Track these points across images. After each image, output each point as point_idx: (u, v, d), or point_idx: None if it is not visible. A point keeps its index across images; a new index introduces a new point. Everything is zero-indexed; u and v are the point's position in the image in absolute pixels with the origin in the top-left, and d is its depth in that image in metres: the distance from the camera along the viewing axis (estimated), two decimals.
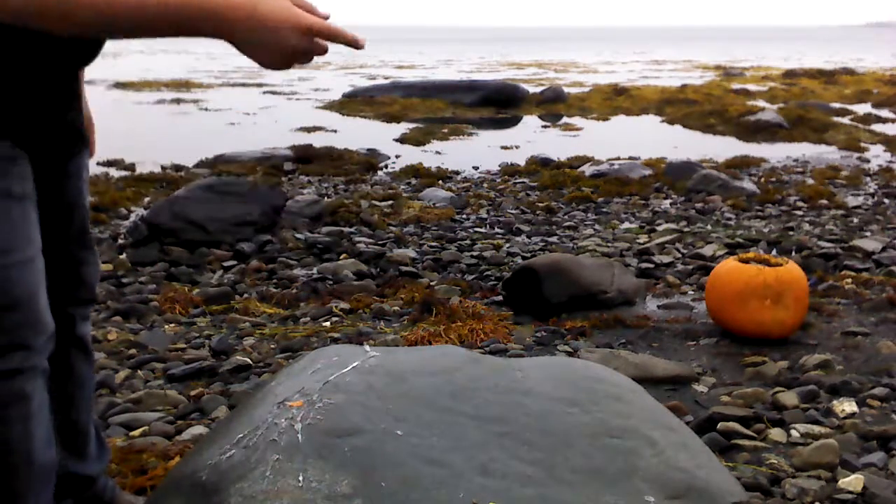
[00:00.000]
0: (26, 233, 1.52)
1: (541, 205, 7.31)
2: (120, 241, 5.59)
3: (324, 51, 1.35)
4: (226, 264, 5.25)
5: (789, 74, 25.35)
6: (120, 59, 34.19)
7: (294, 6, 1.31)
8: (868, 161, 10.09)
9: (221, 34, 1.30)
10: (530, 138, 12.46)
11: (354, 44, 1.38)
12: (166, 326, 4.03)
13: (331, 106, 16.99)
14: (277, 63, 1.33)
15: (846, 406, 2.89)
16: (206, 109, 16.27)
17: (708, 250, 5.61)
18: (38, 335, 1.54)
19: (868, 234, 6.10)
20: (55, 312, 1.60)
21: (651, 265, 5.28)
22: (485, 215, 6.96)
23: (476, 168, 9.53)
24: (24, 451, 1.55)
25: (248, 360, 3.48)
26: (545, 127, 14.23)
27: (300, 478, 1.63)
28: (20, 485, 1.56)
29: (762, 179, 8.64)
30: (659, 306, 4.42)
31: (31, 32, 1.29)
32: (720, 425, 2.70)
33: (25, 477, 1.56)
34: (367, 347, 2.26)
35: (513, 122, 15.08)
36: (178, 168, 9.17)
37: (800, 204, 7.35)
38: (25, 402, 1.54)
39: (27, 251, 1.52)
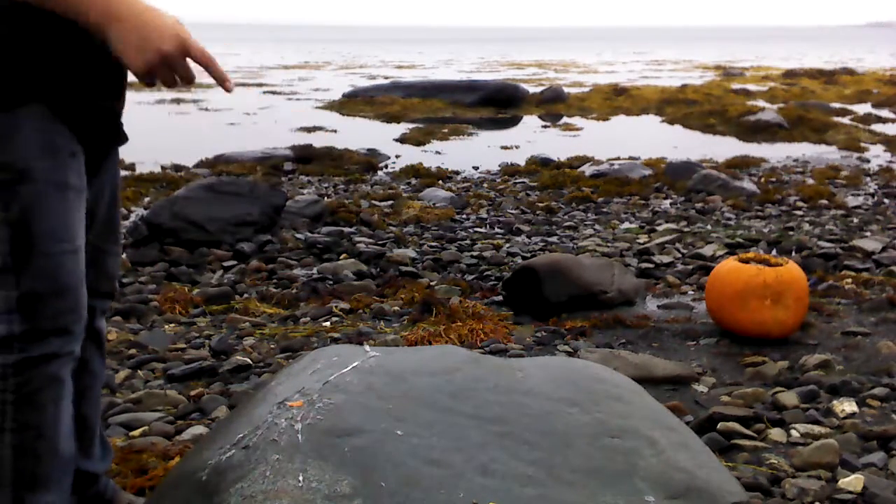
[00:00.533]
0: (77, 223, 1.59)
1: (541, 205, 7.31)
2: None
3: (189, 77, 1.45)
4: (226, 264, 5.25)
5: (789, 74, 25.36)
6: None
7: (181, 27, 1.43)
8: (868, 161, 10.10)
9: (103, 22, 1.39)
10: (530, 138, 12.46)
11: (222, 82, 1.47)
12: (166, 326, 4.03)
13: (331, 106, 17.00)
14: (144, 61, 1.40)
15: (846, 406, 2.89)
16: (206, 109, 16.26)
17: (708, 250, 5.61)
18: (78, 322, 1.60)
19: (868, 234, 6.10)
20: None
21: (651, 265, 5.28)
22: (485, 215, 6.97)
23: (476, 168, 9.53)
24: (51, 437, 1.58)
25: (248, 360, 3.48)
26: (545, 127, 14.24)
27: (300, 478, 1.63)
28: (44, 472, 1.58)
29: (762, 179, 8.64)
30: (659, 306, 4.42)
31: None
32: (720, 425, 2.70)
33: (49, 464, 1.59)
34: (367, 347, 2.26)
35: (513, 122, 15.08)
36: (178, 168, 9.17)
37: (800, 204, 7.34)
38: (59, 387, 1.59)
39: (76, 241, 1.59)
